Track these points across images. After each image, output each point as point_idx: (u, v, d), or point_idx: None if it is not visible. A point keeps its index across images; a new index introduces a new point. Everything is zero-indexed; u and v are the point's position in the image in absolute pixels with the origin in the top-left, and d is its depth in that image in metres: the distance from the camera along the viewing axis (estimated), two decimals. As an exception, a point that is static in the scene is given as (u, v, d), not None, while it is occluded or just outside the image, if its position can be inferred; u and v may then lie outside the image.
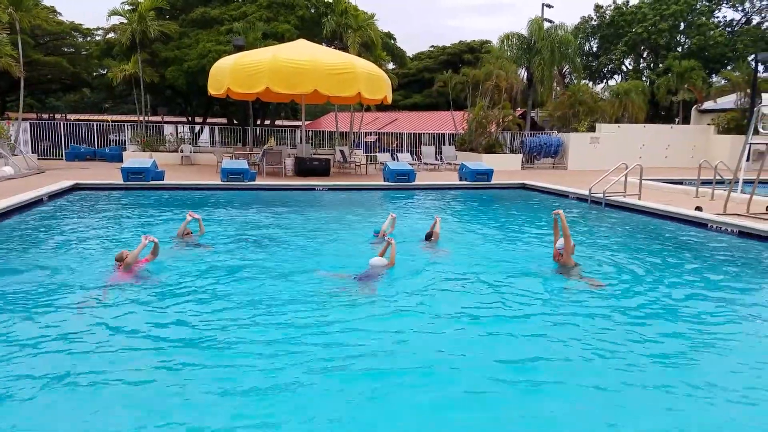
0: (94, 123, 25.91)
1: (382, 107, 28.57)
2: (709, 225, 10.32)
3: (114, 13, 26.07)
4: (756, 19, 37.39)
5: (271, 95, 20.02)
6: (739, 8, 37.53)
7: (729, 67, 33.44)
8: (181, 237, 8.34)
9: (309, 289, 6.34)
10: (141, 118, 26.66)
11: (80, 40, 34.33)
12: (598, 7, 39.70)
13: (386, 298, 6.18)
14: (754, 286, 6.96)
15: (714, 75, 35.05)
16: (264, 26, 26.59)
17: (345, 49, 23.28)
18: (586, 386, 4.19)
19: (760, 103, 16.92)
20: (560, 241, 7.03)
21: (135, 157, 18.80)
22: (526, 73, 28.76)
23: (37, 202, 11.60)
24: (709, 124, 26.82)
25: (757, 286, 7.01)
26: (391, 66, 35.10)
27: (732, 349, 4.98)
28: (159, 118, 31.46)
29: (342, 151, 21.29)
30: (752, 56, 28.13)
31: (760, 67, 27.19)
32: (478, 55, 37.26)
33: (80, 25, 33.84)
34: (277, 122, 39.01)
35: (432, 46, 47.84)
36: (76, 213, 11.15)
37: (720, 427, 3.75)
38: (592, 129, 24.79)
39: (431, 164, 22.99)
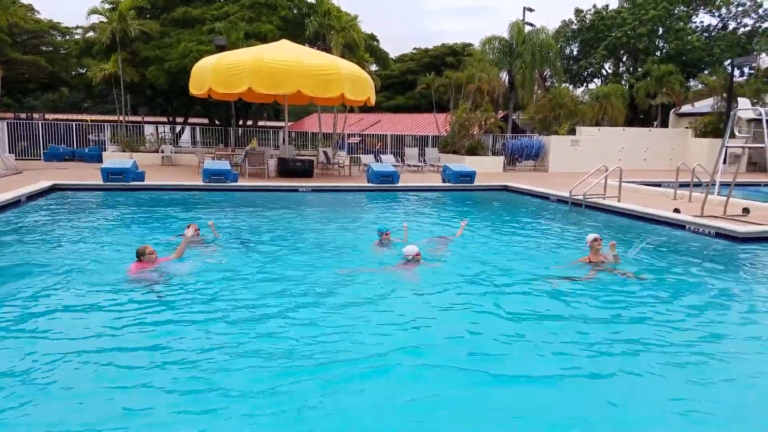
0: (73, 123, 25.52)
1: (365, 108, 28.55)
2: (687, 227, 10.51)
3: (93, 11, 25.71)
4: (732, 25, 38.12)
5: (254, 95, 19.93)
6: (716, 14, 38.25)
7: (706, 72, 34.01)
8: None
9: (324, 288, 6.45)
10: (121, 118, 26.33)
11: (59, 38, 33.84)
12: (578, 12, 40.15)
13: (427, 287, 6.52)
14: (730, 286, 7.10)
15: (691, 79, 35.64)
16: (246, 26, 26.44)
17: (328, 50, 23.25)
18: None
19: (736, 107, 17.30)
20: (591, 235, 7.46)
21: (115, 158, 18.58)
22: (507, 76, 29.00)
23: (15, 203, 11.41)
24: (686, 128, 27.31)
25: (733, 285, 7.15)
26: (374, 67, 35.14)
27: (710, 344, 5.10)
28: (139, 118, 31.10)
29: (325, 153, 21.26)
30: (728, 61, 28.75)
31: (736, 72, 27.73)
32: (460, 58, 37.45)
33: (59, 23, 33.37)
34: (260, 123, 38.78)
35: (415, 49, 48.04)
36: (55, 214, 10.98)
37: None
38: (572, 132, 25.08)
39: (414, 166, 23.07)
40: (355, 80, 17.89)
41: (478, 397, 4.07)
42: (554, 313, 5.88)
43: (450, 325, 5.46)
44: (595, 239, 7.32)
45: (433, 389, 4.16)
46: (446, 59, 42.40)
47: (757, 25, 36.83)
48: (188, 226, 8.34)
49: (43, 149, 23.61)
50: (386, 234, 8.43)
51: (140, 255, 6.70)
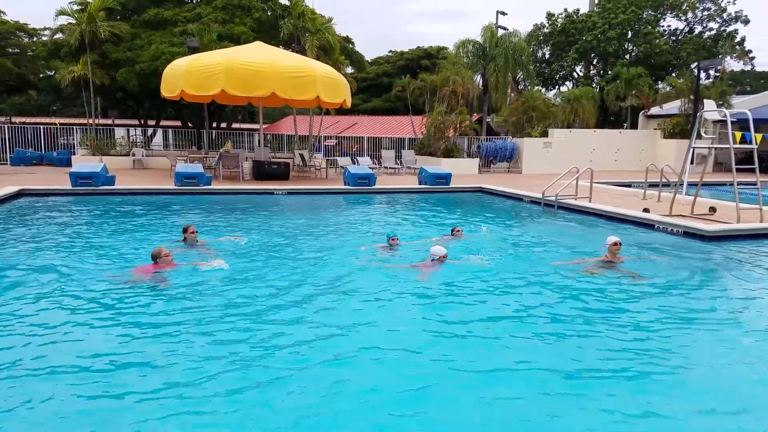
0: (41, 126, 24.95)
1: (341, 111, 28.59)
2: (656, 226, 10.74)
3: (62, 12, 25.21)
4: (698, 29, 39.15)
5: (227, 98, 19.73)
6: (683, 18, 39.22)
7: (674, 74, 34.84)
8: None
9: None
10: (91, 121, 25.84)
11: (26, 40, 33.09)
12: (550, 15, 40.75)
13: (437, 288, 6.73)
14: (698, 283, 7.28)
15: (660, 82, 36.42)
16: (219, 28, 26.21)
17: (303, 52, 23.18)
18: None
19: (703, 108, 17.73)
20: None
21: (84, 162, 18.21)
22: (481, 79, 29.26)
23: (-21, 208, 11.11)
24: (655, 129, 27.91)
25: (701, 282, 7.34)
26: (349, 70, 35.17)
27: (681, 339, 5.23)
28: (110, 121, 30.57)
29: (302, 155, 21.18)
30: (695, 64, 29.44)
31: (702, 75, 28.43)
32: (435, 61, 37.72)
33: (26, 24, 32.63)
34: (234, 125, 38.46)
35: (390, 51, 48.29)
36: (22, 220, 10.72)
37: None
38: (544, 134, 25.41)
39: (391, 168, 23.10)
40: (330, 83, 17.86)
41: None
42: (557, 309, 6.05)
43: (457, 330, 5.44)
44: (615, 243, 7.63)
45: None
46: (421, 62, 42.67)
47: (721, 29, 37.90)
48: (185, 228, 8.25)
49: (10, 153, 23.01)
50: (394, 239, 8.49)
51: (156, 257, 6.63)
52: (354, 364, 4.57)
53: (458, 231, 9.30)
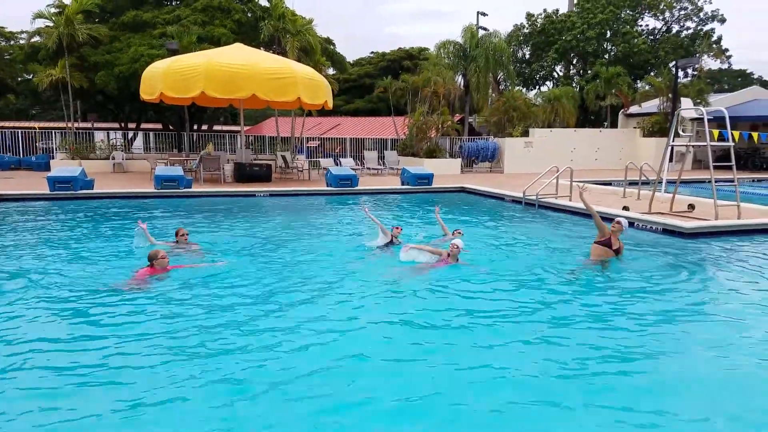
0: (19, 130, 24.57)
1: (324, 112, 28.51)
2: (636, 223, 10.86)
3: (39, 15, 24.79)
4: (675, 28, 39.69)
5: (208, 100, 19.59)
6: (660, 18, 39.74)
7: (652, 73, 35.26)
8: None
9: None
10: (70, 125, 25.48)
11: (3, 43, 32.59)
12: (529, 16, 41.04)
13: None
14: (677, 279, 7.38)
15: (638, 81, 36.82)
16: (199, 30, 26.01)
17: (283, 53, 23.09)
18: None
19: (680, 107, 17.97)
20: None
21: (63, 166, 17.97)
22: (462, 80, 29.39)
23: (-47, 214, 10.90)
24: (635, 128, 28.26)
25: (679, 278, 7.44)
26: (331, 71, 35.07)
27: (665, 337, 5.29)
28: (89, 125, 30.17)
29: (284, 157, 21.10)
30: (673, 63, 29.85)
31: (680, 73, 28.84)
32: (416, 62, 37.77)
33: (2, 28, 32.13)
34: (216, 127, 38.22)
35: (372, 53, 48.25)
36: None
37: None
38: (525, 134, 25.60)
39: (374, 169, 23.09)
40: (311, 84, 17.81)
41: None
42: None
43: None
44: (616, 222, 7.84)
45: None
46: (403, 63, 42.68)
47: (698, 28, 38.46)
48: (177, 231, 8.22)
49: (-13, 158, 22.63)
50: (398, 228, 8.44)
51: (152, 259, 6.55)
52: (348, 369, 4.53)
53: (458, 232, 9.27)
